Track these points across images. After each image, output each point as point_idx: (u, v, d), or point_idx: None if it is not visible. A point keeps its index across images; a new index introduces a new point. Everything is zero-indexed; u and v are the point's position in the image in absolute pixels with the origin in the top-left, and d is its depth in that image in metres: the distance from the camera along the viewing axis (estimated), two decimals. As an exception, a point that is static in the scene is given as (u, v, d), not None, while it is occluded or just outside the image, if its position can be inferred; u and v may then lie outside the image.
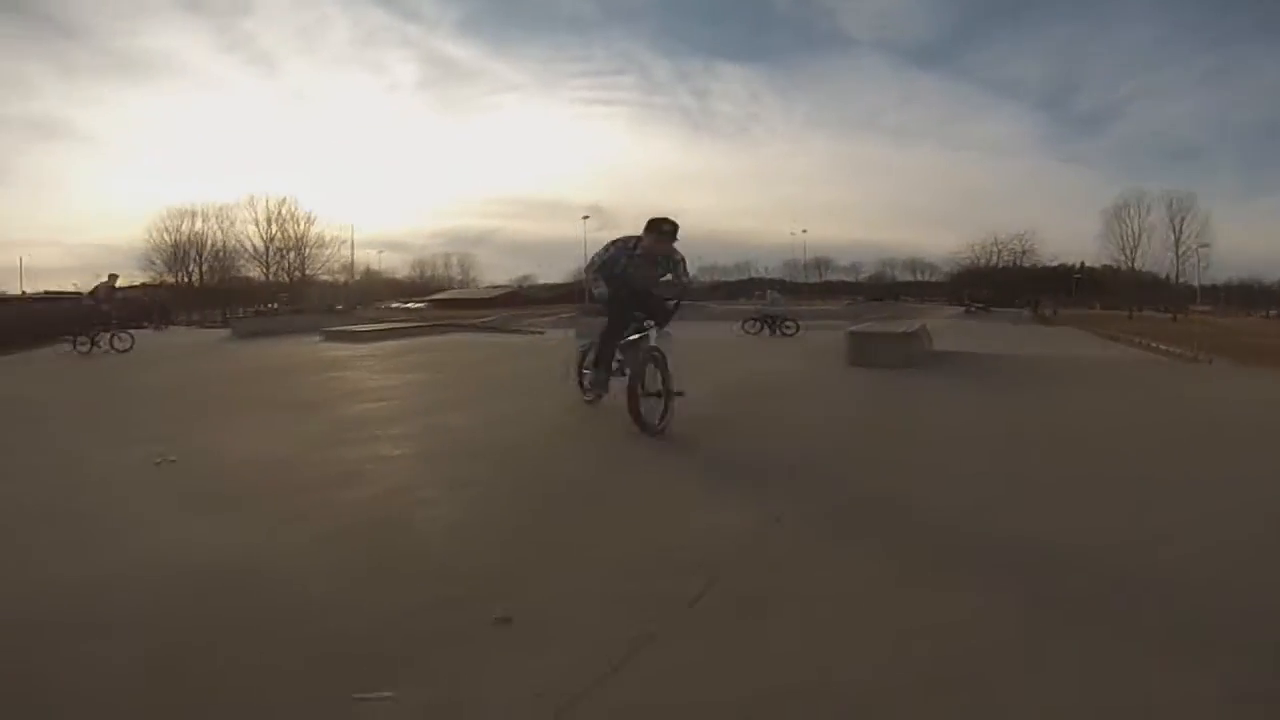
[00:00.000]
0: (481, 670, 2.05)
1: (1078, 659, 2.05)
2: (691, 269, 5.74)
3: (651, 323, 5.22)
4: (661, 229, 5.27)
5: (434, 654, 2.13)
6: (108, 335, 14.54)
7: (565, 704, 1.86)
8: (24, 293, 46.20)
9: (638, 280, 5.39)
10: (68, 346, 14.53)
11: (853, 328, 9.51)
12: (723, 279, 73.99)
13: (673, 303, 5.43)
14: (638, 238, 5.35)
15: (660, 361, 5.12)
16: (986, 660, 2.06)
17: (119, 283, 17.58)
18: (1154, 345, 19.89)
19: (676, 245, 5.37)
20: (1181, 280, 60.11)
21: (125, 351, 14.34)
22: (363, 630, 2.28)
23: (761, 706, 1.87)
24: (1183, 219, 58.79)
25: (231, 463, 4.56)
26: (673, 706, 1.89)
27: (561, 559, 2.88)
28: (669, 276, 5.45)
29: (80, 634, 2.30)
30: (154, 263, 55.79)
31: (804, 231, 72.18)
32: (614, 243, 5.49)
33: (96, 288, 15.81)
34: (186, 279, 56.93)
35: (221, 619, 2.38)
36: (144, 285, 51.07)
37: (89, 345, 14.24)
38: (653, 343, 5.14)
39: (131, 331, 15.60)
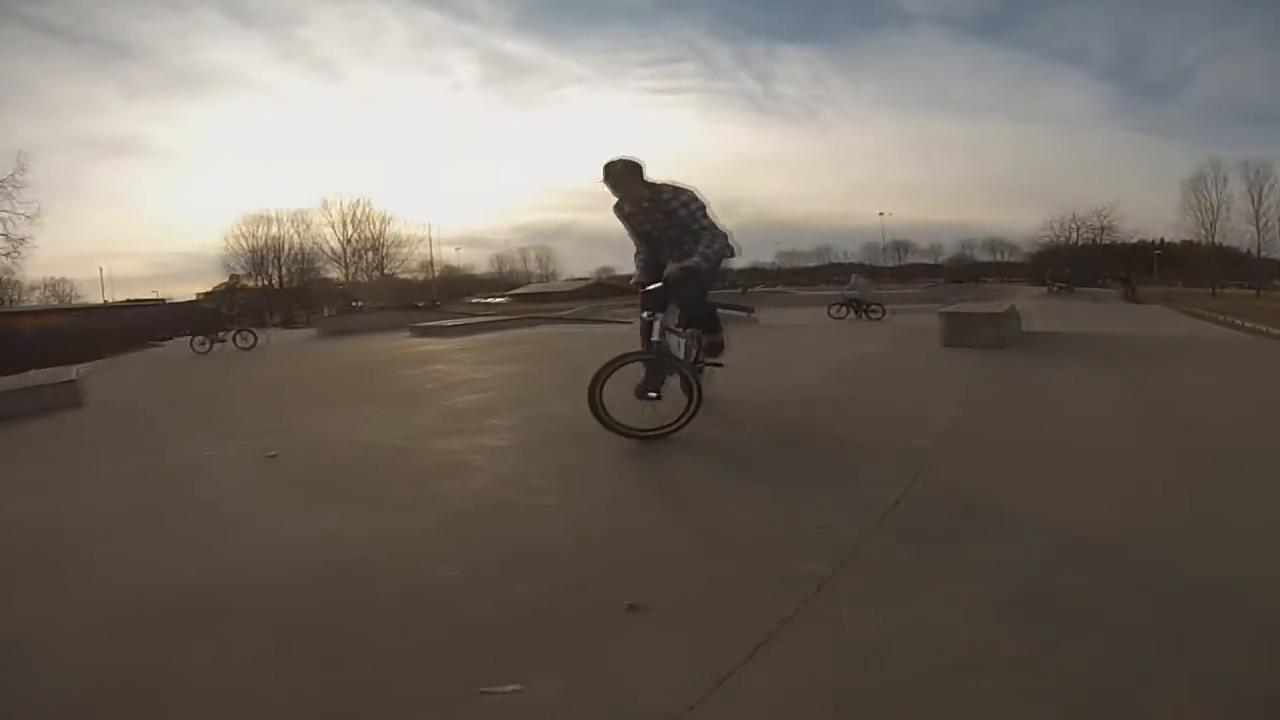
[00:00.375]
0: (613, 659, 2.05)
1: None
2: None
3: (650, 315, 4.50)
4: (612, 176, 4.54)
5: (563, 643, 2.14)
6: (231, 334, 15.71)
7: (702, 693, 1.86)
8: (106, 301, 48.60)
9: (656, 245, 4.76)
10: (159, 349, 15.63)
11: (945, 309, 9.26)
12: (802, 264, 72.94)
13: (695, 262, 4.41)
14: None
15: (659, 364, 4.44)
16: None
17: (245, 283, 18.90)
18: (1237, 322, 19.46)
19: (671, 183, 4.57)
20: (1263, 254, 55.46)
21: (249, 349, 15.35)
22: (485, 620, 2.30)
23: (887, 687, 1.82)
24: (1261, 189, 54.51)
25: (344, 454, 4.78)
26: (808, 691, 1.86)
27: (670, 544, 2.88)
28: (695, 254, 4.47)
29: (201, 626, 2.36)
30: (232, 268, 58.18)
31: (883, 214, 70.61)
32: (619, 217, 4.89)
33: (217, 290, 17.01)
34: (267, 282, 59.18)
35: (341, 612, 2.42)
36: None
37: (208, 345, 15.36)
38: (655, 336, 4.43)
39: (254, 330, 16.76)
